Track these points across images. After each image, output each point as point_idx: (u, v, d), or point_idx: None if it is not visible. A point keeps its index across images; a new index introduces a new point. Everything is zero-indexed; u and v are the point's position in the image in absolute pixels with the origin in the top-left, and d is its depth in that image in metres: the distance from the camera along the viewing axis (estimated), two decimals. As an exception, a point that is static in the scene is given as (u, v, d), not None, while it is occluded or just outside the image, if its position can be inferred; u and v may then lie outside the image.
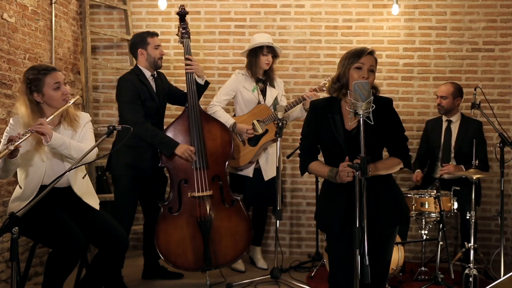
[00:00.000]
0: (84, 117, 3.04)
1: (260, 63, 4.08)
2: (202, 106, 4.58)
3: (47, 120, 2.75)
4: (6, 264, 3.62)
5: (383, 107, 2.47)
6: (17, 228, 2.11)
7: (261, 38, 4.10)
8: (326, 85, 4.03)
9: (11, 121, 2.90)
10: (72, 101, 2.85)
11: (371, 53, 2.47)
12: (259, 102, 4.12)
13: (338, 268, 2.48)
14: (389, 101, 2.53)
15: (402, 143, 2.55)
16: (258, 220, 4.33)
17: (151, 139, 3.61)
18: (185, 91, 3.84)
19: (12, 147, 2.54)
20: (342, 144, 2.44)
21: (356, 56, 2.44)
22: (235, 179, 4.19)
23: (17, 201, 2.86)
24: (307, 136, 2.58)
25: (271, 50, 4.08)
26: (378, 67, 2.54)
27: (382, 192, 2.46)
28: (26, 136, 2.62)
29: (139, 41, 3.76)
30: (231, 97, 4.16)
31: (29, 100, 2.84)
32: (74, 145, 2.80)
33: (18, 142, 2.57)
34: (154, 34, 3.79)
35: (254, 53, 4.08)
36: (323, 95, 3.79)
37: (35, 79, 2.82)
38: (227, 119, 4.02)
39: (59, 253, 2.76)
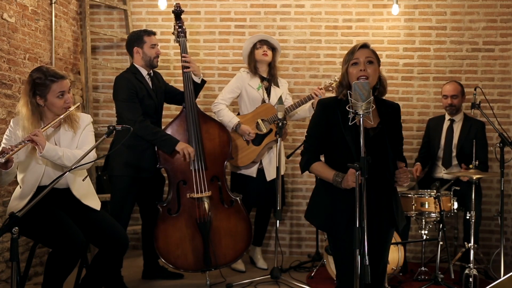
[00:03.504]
0: (85, 119, 3.03)
1: (256, 57, 4.09)
2: (203, 106, 4.61)
3: (43, 129, 2.74)
4: (6, 264, 3.62)
5: (393, 111, 2.52)
6: (17, 228, 2.12)
7: (250, 39, 4.16)
8: (332, 85, 4.05)
9: (11, 123, 2.89)
10: (71, 109, 2.86)
11: (364, 46, 2.44)
12: (263, 101, 4.12)
13: (347, 268, 2.40)
14: (397, 107, 2.56)
15: (401, 151, 2.58)
16: (261, 221, 4.33)
17: (151, 137, 3.60)
18: (182, 90, 3.83)
19: (2, 160, 2.54)
20: (350, 142, 2.39)
21: (350, 54, 2.45)
22: (238, 178, 4.17)
23: (16, 200, 2.87)
24: (314, 134, 2.52)
25: (265, 43, 4.09)
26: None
27: (384, 193, 2.44)
28: (19, 148, 2.62)
29: (135, 39, 3.74)
30: (236, 95, 4.15)
31: (31, 102, 2.82)
32: (68, 155, 2.78)
33: (9, 154, 2.57)
34: (151, 33, 3.77)
35: (250, 51, 4.13)
36: (329, 94, 3.78)
37: (41, 84, 2.80)
38: (231, 118, 4.01)
39: (59, 253, 2.76)
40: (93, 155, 2.82)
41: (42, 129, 2.74)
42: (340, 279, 2.49)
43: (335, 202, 2.48)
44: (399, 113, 2.56)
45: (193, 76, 3.81)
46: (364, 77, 2.36)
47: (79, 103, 2.98)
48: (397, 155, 2.52)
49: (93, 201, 3.05)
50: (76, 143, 2.93)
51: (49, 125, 2.79)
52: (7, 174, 2.69)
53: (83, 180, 3.02)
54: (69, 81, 2.92)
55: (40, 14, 4.08)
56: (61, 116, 2.83)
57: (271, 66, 4.16)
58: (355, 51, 2.42)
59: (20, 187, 2.90)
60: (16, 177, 2.92)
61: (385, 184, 2.43)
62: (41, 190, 2.36)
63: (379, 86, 2.48)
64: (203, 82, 3.91)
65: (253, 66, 4.12)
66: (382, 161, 2.40)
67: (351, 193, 2.36)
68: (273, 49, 4.14)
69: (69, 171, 2.55)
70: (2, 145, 2.80)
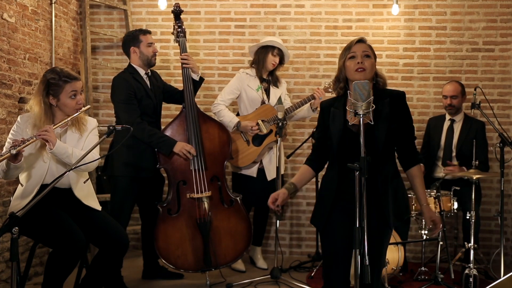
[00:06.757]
0: (92, 123, 3.08)
1: (267, 61, 4.07)
2: (203, 106, 4.60)
3: (54, 127, 2.78)
4: (6, 264, 3.62)
5: (395, 101, 2.41)
6: (17, 228, 2.12)
7: (275, 40, 4.13)
8: (331, 86, 4.05)
9: (18, 119, 2.92)
10: (81, 111, 2.90)
11: (361, 41, 2.45)
12: (263, 102, 4.12)
13: (329, 262, 2.46)
14: (401, 94, 2.45)
15: (412, 141, 2.49)
16: (259, 220, 4.33)
17: (148, 139, 3.60)
18: (181, 89, 3.84)
19: (14, 151, 2.56)
20: (336, 139, 2.40)
21: (347, 49, 2.45)
22: (238, 178, 4.18)
23: (18, 199, 2.87)
24: (318, 135, 2.60)
25: (280, 54, 4.09)
26: (378, 66, 2.51)
27: (390, 187, 2.42)
28: (30, 142, 2.64)
29: (132, 39, 3.74)
30: (235, 96, 4.15)
31: (44, 102, 2.87)
32: (76, 154, 2.82)
33: (21, 147, 2.59)
34: (147, 32, 3.78)
35: (264, 51, 4.08)
36: (329, 95, 3.78)
37: (55, 84, 2.86)
38: (232, 118, 4.02)
39: (59, 252, 2.76)
40: (96, 154, 2.86)
41: (53, 126, 2.78)
42: (324, 277, 2.50)
43: (319, 197, 2.53)
44: (404, 102, 2.43)
45: (191, 73, 3.81)
46: (361, 69, 2.36)
47: (89, 106, 3.01)
48: (403, 149, 2.45)
49: (94, 203, 3.06)
50: (82, 146, 2.97)
51: (60, 123, 2.83)
52: (16, 168, 2.69)
53: (84, 182, 3.03)
54: (81, 82, 2.97)
55: (40, 14, 4.08)
56: (72, 116, 2.87)
57: (272, 72, 4.18)
58: (352, 45, 2.43)
59: (22, 185, 2.90)
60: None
61: (379, 182, 2.38)
62: (44, 188, 2.37)
63: (379, 78, 2.46)
64: (201, 79, 3.91)
65: (260, 67, 4.10)
66: (373, 159, 2.30)
67: (332, 188, 2.41)
68: (281, 62, 4.15)
69: (72, 169, 2.56)
70: (9, 140, 2.82)
